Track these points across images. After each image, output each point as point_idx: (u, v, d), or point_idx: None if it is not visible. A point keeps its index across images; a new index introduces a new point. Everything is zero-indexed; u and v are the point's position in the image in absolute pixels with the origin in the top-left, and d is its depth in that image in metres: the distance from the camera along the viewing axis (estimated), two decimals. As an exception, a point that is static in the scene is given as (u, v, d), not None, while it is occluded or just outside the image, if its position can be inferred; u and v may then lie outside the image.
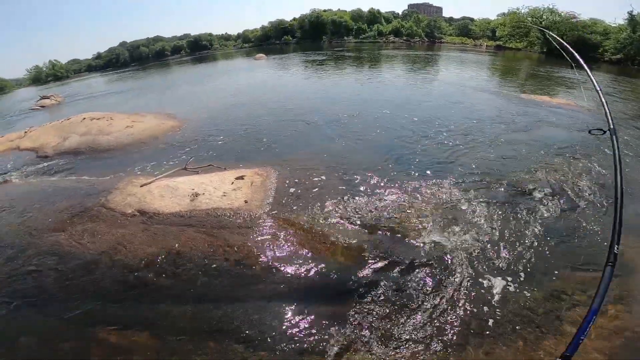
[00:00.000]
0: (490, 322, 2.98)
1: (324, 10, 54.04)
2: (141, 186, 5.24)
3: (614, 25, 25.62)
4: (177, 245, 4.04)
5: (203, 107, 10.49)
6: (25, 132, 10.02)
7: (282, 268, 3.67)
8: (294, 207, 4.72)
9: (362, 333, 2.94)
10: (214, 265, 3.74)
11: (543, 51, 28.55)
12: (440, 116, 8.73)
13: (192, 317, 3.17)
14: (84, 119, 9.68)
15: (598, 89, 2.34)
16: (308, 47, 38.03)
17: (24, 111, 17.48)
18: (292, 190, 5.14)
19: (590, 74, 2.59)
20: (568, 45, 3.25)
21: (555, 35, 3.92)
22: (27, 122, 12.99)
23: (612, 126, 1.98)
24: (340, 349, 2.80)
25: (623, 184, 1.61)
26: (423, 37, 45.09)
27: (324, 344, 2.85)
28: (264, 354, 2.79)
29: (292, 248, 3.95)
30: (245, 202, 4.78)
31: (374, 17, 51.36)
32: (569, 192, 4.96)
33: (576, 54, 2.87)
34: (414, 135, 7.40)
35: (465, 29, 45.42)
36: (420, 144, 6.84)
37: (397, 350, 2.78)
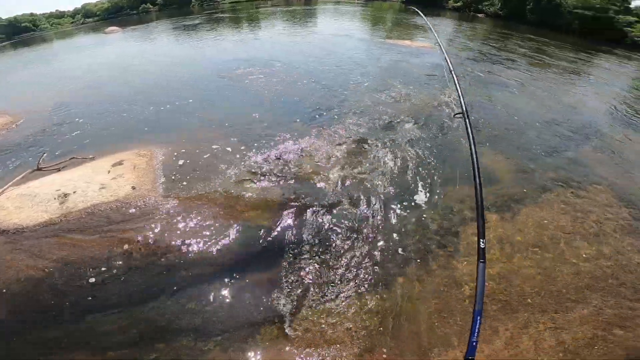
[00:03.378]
0: (406, 248, 3.40)
1: (191, -29, 46.89)
2: (-20, 205, 4.03)
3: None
4: (65, 256, 3.39)
5: (44, 95, 8.18)
6: None
7: (200, 246, 3.45)
8: (192, 181, 4.40)
9: (304, 288, 2.99)
10: (123, 266, 3.30)
11: (404, 0, 32.02)
12: (323, 65, 9.05)
13: (126, 325, 2.80)
14: None
15: (451, 69, 2.53)
16: (175, 14, 32.99)
17: None
18: (184, 163, 4.75)
19: (442, 48, 2.90)
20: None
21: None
22: None
23: (464, 109, 2.11)
24: (291, 310, 2.80)
25: (481, 176, 1.62)
26: (299, -9, 44.16)
27: (274, 309, 2.82)
28: (219, 338, 2.65)
29: (203, 223, 3.73)
30: (133, 188, 4.22)
31: (248, -26, 47.01)
32: (438, 119, 5.92)
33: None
34: (303, 86, 7.57)
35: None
36: (310, 94, 7.06)
37: (338, 293, 2.96)
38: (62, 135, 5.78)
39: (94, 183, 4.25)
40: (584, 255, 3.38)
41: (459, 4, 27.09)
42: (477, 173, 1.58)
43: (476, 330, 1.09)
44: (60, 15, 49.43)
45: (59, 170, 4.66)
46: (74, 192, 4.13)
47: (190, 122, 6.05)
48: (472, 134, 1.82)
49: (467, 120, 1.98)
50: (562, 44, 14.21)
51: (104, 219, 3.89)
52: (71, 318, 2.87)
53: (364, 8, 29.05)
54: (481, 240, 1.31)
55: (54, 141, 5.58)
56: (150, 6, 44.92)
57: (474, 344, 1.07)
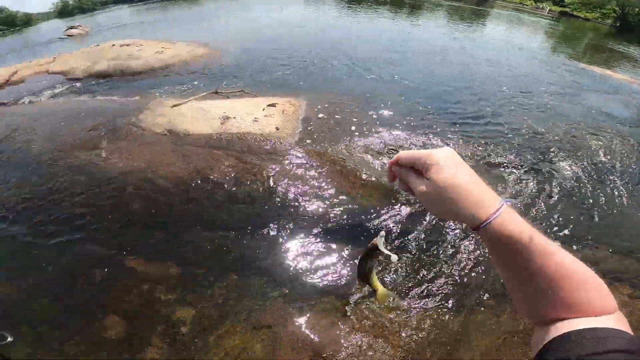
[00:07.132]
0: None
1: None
2: (172, 107, 5.15)
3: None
4: (205, 167, 3.97)
5: (236, 38, 9.94)
6: (54, 57, 9.93)
7: (309, 202, 3.53)
8: (325, 140, 4.53)
9: (389, 278, 2.83)
10: (241, 192, 3.65)
11: (616, 25, 24.77)
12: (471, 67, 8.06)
13: (216, 248, 3.07)
14: (113, 45, 9.44)
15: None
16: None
17: (52, 40, 17.25)
18: (323, 122, 4.93)
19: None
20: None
21: None
22: (56, 50, 12.81)
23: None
24: (361, 296, 2.68)
25: None
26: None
27: (346, 287, 2.74)
28: (284, 290, 2.70)
29: (320, 182, 3.80)
30: (277, 129, 4.63)
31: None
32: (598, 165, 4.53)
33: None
34: (452, 87, 6.86)
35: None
36: (458, 96, 6.33)
37: (424, 298, 2.70)
38: (239, 72, 6.90)
39: (250, 115, 4.86)
40: None
41: None
42: None
43: None
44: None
45: (228, 97, 5.53)
46: (234, 118, 4.82)
47: (338, 88, 6.26)
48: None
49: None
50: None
51: (247, 146, 4.41)
52: (178, 227, 3.24)
53: (554, 23, 23.87)
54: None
55: (232, 75, 6.71)
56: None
57: None
